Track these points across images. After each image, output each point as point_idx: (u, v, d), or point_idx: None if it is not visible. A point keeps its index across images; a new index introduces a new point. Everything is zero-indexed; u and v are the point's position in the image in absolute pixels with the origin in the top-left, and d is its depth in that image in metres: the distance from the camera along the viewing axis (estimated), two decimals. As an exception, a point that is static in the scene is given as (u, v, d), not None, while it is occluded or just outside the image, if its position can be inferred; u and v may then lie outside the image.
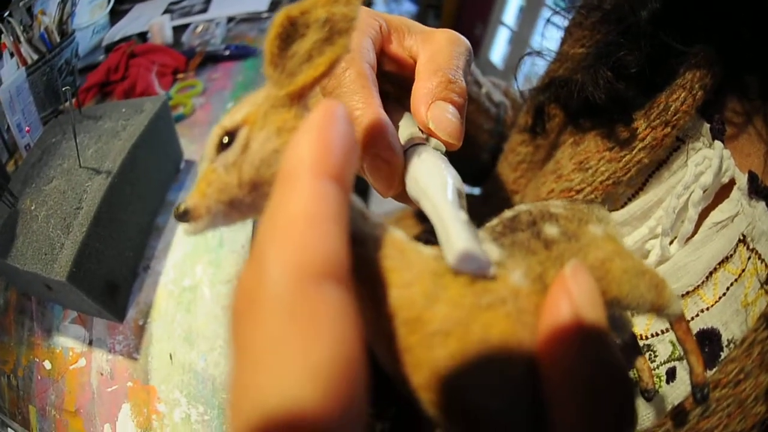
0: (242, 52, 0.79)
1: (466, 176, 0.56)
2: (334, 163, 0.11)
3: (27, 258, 0.46)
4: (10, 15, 0.72)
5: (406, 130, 0.22)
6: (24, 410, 0.49)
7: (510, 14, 2.40)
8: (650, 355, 0.32)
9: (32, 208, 0.52)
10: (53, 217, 0.49)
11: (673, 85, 0.31)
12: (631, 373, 0.31)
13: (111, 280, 0.46)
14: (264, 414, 0.09)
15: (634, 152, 0.32)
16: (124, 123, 0.55)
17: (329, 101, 0.12)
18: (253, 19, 0.91)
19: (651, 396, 0.26)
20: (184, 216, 0.15)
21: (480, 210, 0.40)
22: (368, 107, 0.20)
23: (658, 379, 0.31)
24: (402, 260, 0.13)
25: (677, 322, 0.21)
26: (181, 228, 0.15)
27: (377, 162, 0.20)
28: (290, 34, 0.14)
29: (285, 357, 0.09)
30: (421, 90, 0.22)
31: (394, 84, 0.27)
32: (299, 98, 0.15)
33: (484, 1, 2.53)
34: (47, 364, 0.50)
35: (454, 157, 0.21)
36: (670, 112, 0.31)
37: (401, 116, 0.24)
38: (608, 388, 0.12)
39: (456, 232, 0.14)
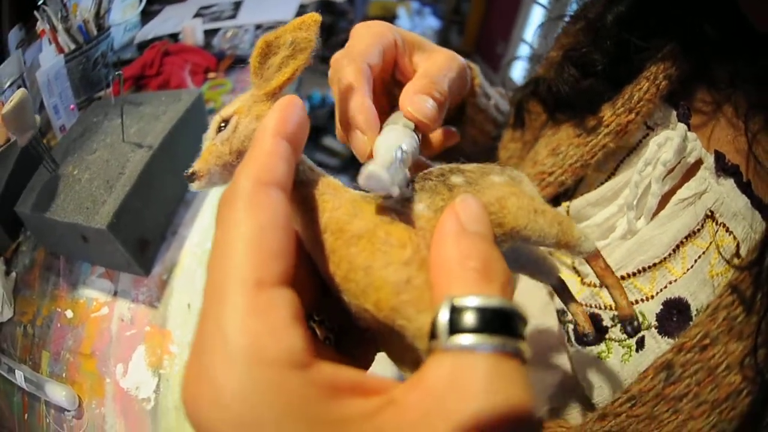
0: (268, 58, 0.94)
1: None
2: (287, 130, 0.19)
3: (68, 211, 0.58)
4: (45, 3, 0.85)
5: (391, 118, 0.31)
6: (36, 355, 0.59)
7: (531, 32, 2.53)
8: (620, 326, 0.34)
9: (75, 173, 0.65)
10: (96, 180, 0.61)
11: (638, 77, 0.36)
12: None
13: (143, 237, 0.59)
14: (227, 252, 0.16)
15: (599, 137, 0.38)
16: (164, 109, 0.69)
17: (291, 96, 0.20)
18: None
19: (589, 339, 0.29)
20: (192, 177, 0.23)
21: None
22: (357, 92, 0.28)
23: (628, 349, 0.34)
24: (334, 195, 0.21)
25: (593, 259, 0.26)
26: (190, 186, 0.24)
27: (356, 135, 0.27)
28: (267, 53, 0.23)
29: (242, 224, 0.17)
30: (410, 86, 0.30)
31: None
32: (273, 96, 0.23)
33: (507, 19, 2.72)
34: (69, 313, 0.61)
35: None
36: (633, 101, 0.36)
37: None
38: (485, 274, 0.17)
39: (374, 161, 0.20)
